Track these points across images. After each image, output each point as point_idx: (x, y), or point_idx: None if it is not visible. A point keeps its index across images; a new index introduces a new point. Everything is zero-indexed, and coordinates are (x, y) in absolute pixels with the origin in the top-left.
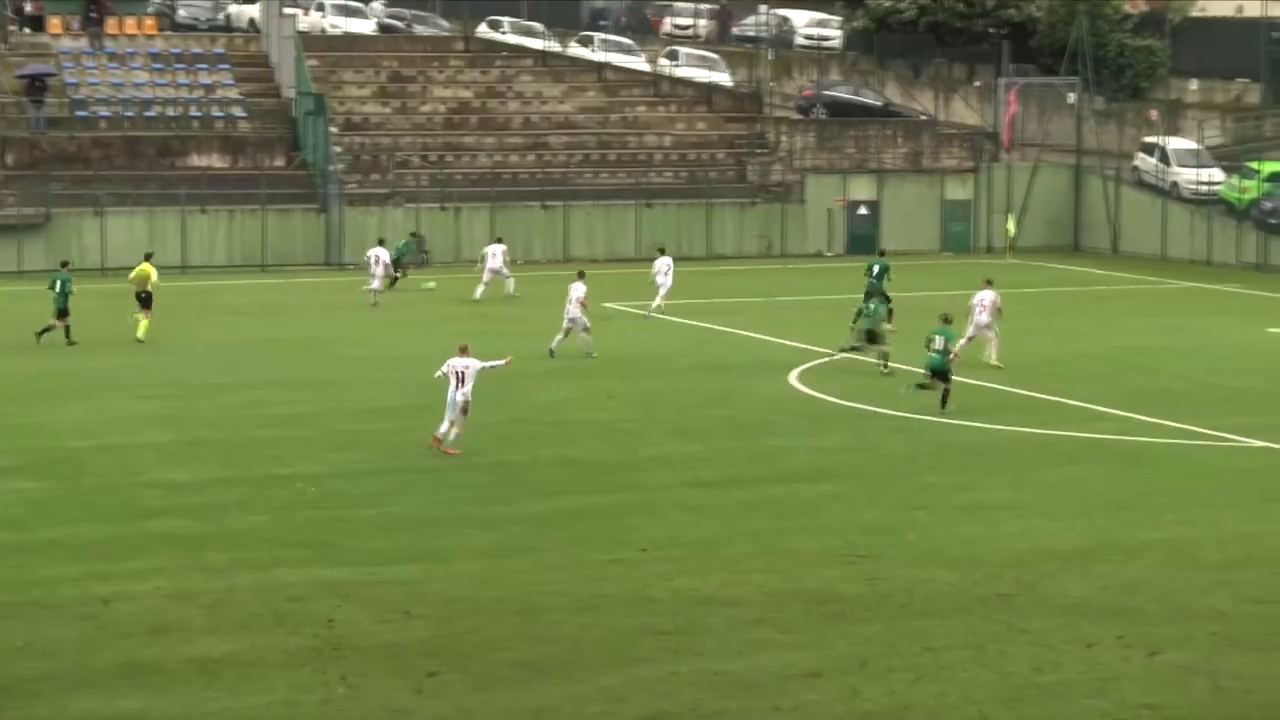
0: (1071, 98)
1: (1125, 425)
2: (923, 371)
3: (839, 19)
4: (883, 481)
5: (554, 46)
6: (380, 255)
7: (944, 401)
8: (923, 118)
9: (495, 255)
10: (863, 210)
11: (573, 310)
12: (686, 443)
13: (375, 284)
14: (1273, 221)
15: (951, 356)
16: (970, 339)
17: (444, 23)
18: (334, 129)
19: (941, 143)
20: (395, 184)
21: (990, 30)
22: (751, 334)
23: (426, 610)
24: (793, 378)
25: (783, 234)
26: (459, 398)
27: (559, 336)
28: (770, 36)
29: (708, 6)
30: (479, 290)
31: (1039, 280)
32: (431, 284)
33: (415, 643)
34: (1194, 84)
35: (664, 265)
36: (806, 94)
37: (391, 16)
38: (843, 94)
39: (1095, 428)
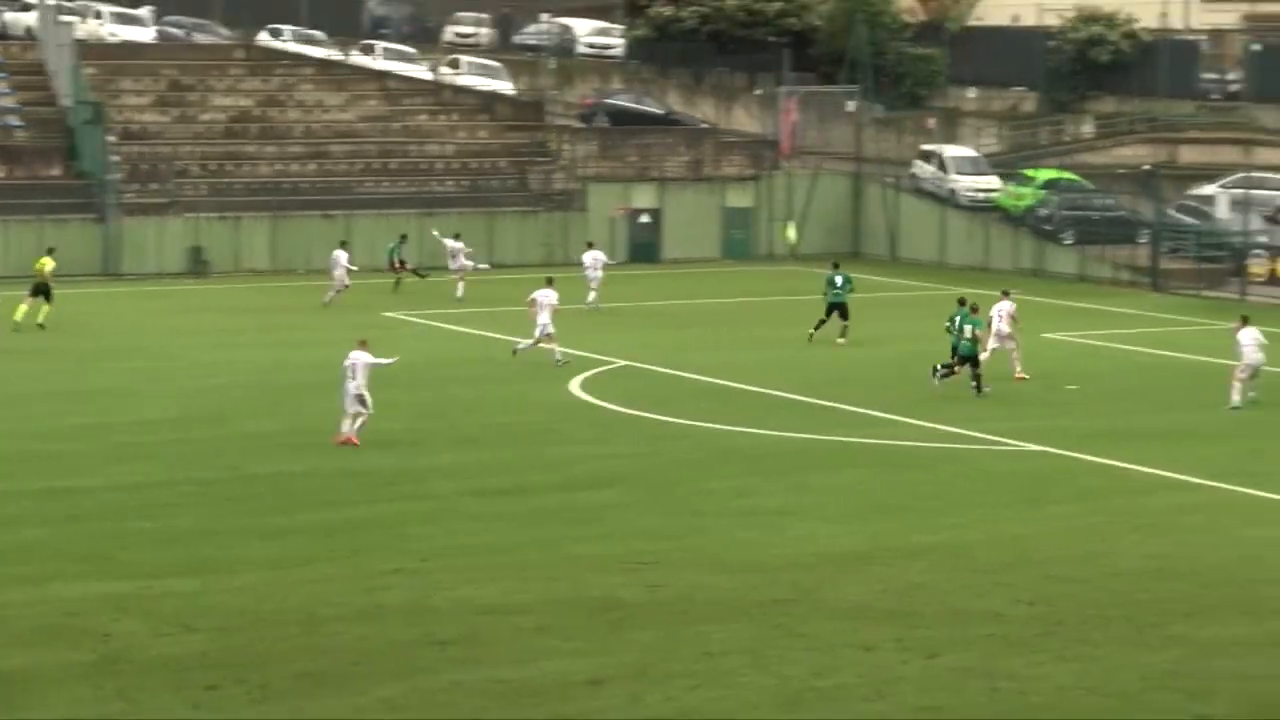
0: (851, 106)
1: (902, 430)
2: (939, 366)
3: (620, 27)
4: (664, 488)
5: (335, 55)
6: (339, 258)
7: (978, 387)
8: (704, 126)
9: (457, 255)
10: (644, 218)
11: (543, 317)
12: (468, 451)
13: (334, 291)
14: (1048, 228)
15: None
16: (993, 351)
17: (224, 31)
18: (112, 138)
19: (722, 151)
20: (174, 193)
21: (771, 39)
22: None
23: (206, 623)
24: (574, 385)
25: (565, 242)
26: (351, 389)
27: (528, 342)
28: (552, 45)
29: (489, 15)
30: (460, 289)
31: (820, 287)
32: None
33: (194, 656)
34: (972, 92)
35: (593, 259)
36: (588, 102)
37: (171, 25)
38: (624, 102)
39: (872, 432)
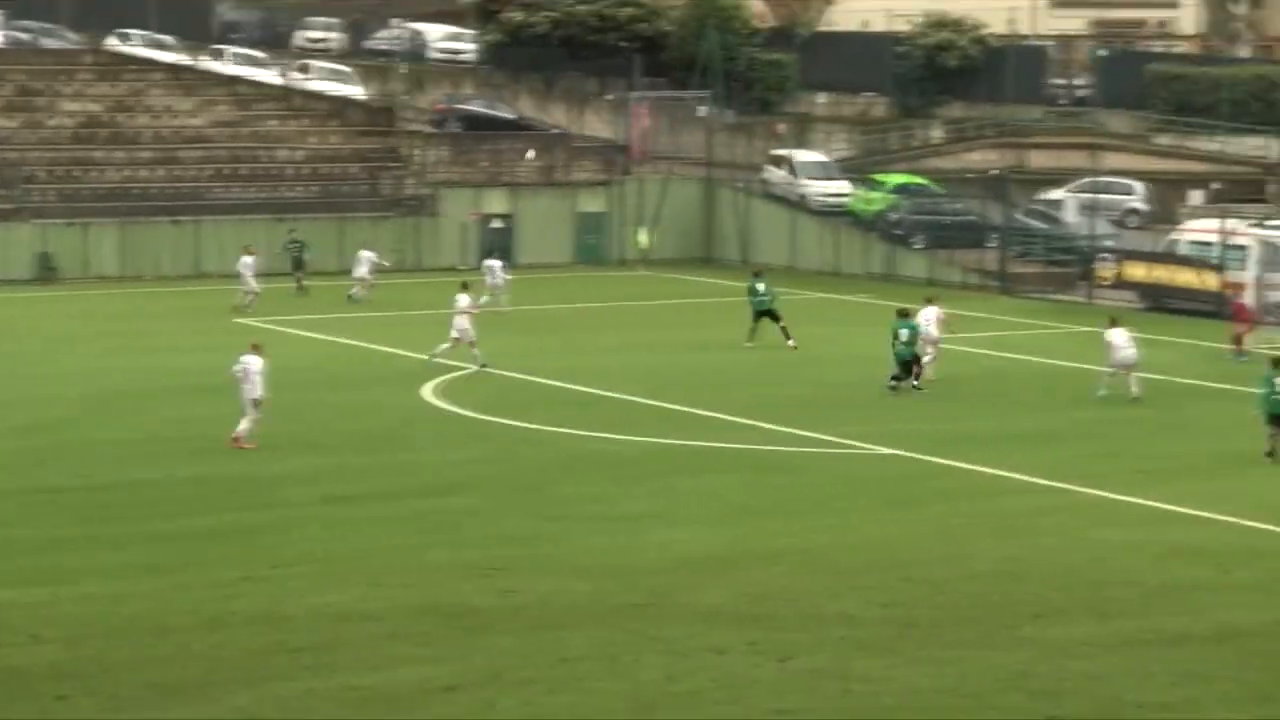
0: (702, 111)
1: (760, 434)
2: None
3: (472, 33)
4: (519, 493)
5: (185, 60)
6: (248, 263)
7: (916, 377)
8: (556, 131)
9: (364, 262)
10: (496, 224)
11: (462, 323)
12: (320, 457)
13: (249, 294)
14: (899, 232)
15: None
16: (933, 357)
17: (72, 35)
18: None
19: (575, 156)
20: (22, 199)
21: (622, 44)
22: (384, 348)
23: (55, 633)
24: (426, 391)
25: (417, 247)
26: (246, 392)
27: (444, 346)
28: (403, 50)
29: (340, 20)
30: (357, 291)
31: (672, 292)
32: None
33: (43, 666)
34: (822, 97)
35: (493, 266)
36: (440, 108)
37: (18, 29)
38: (476, 108)
39: (728, 437)
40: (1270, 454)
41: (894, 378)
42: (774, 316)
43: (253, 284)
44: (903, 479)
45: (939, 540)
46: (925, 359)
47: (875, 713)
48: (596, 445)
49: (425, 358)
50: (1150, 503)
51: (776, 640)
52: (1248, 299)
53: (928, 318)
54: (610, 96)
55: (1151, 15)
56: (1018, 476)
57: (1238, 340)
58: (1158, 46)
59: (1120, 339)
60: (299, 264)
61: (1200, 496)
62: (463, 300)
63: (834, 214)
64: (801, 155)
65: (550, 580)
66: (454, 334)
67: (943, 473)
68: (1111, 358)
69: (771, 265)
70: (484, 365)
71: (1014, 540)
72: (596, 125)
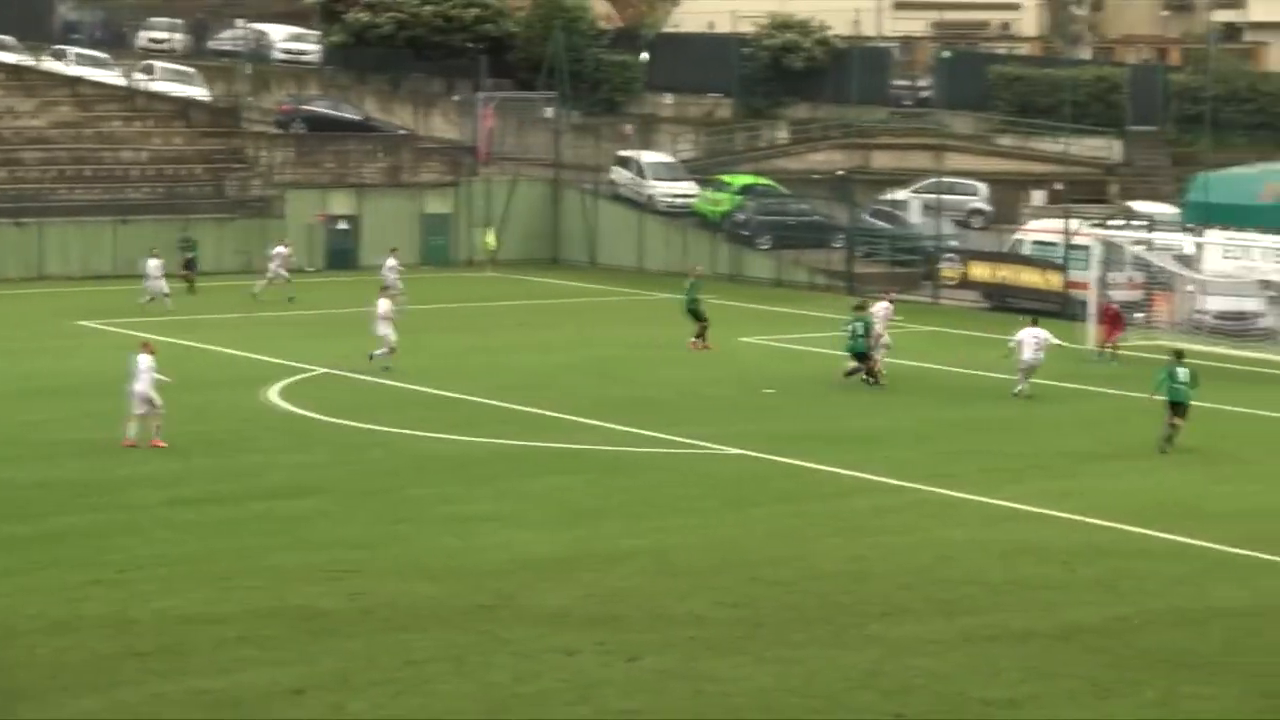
0: (549, 112)
1: (606, 435)
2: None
3: (317, 33)
4: (366, 496)
5: (25, 60)
6: (155, 265)
7: (872, 376)
8: (402, 132)
9: (279, 256)
10: (342, 225)
11: (383, 327)
12: (166, 460)
13: (158, 295)
14: (745, 233)
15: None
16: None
17: None
18: None
19: (421, 157)
20: None
21: (468, 45)
22: (229, 350)
23: None
24: (273, 393)
25: (263, 249)
26: (137, 391)
27: (383, 350)
28: (247, 51)
29: (183, 20)
30: (260, 287)
31: (519, 293)
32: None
33: None
34: (668, 98)
35: (391, 265)
36: (285, 109)
37: None
38: (321, 109)
39: (577, 438)
40: (1168, 440)
41: (852, 370)
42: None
43: (163, 285)
44: (749, 479)
45: (786, 540)
46: (876, 353)
47: (724, 713)
48: (444, 447)
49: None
50: (996, 501)
51: (624, 641)
52: (1117, 301)
53: (878, 313)
54: (456, 97)
55: (993, 17)
56: (864, 476)
57: (1102, 343)
58: (999, 48)
59: (1030, 342)
60: (190, 265)
61: (1045, 495)
62: (382, 305)
63: (680, 215)
64: (648, 156)
65: (398, 582)
66: (384, 335)
67: (790, 473)
68: (1021, 355)
69: (618, 266)
70: (372, 357)
71: (861, 539)
72: (443, 126)
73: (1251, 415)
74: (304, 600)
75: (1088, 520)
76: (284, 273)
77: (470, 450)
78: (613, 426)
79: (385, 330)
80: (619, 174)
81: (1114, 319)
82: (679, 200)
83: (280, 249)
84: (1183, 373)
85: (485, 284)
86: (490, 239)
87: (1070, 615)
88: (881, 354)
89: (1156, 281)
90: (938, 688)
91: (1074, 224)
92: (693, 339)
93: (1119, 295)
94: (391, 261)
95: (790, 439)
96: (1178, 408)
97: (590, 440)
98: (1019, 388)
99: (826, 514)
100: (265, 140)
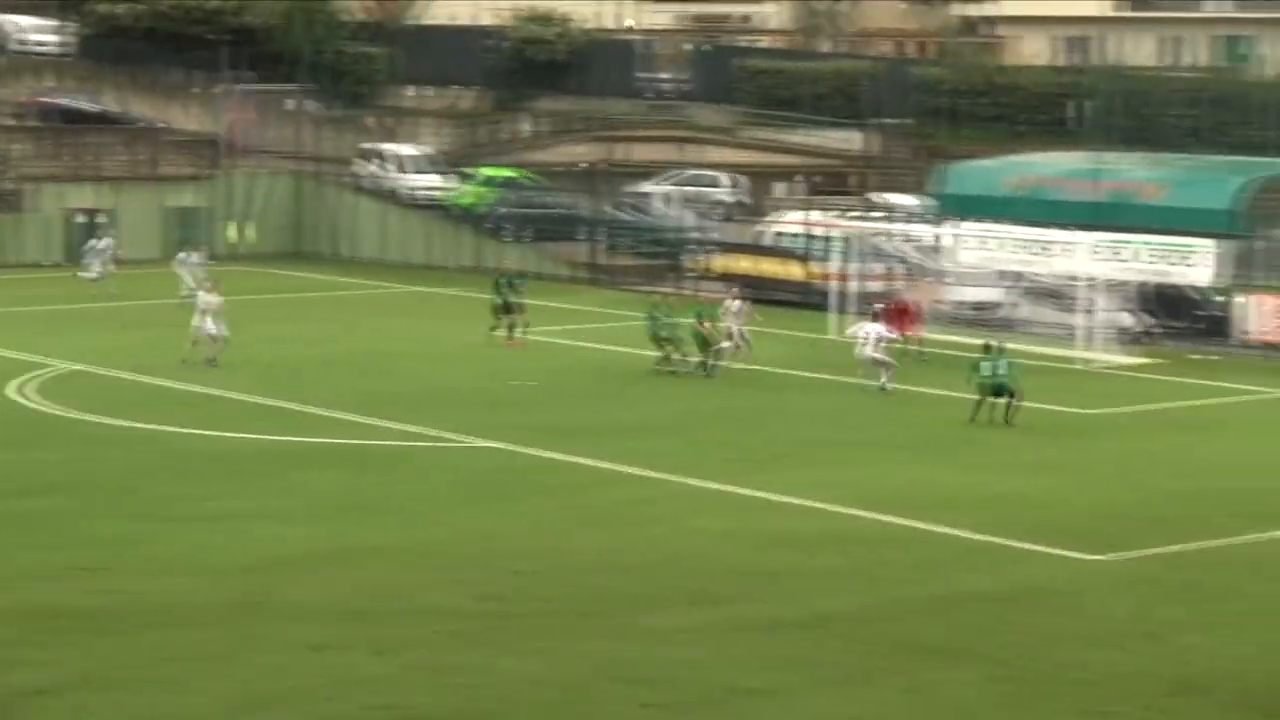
0: (296, 104)
1: (361, 429)
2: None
3: (60, 24)
4: (118, 494)
5: None
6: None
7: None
8: (152, 125)
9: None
10: (88, 218)
11: (207, 323)
12: None
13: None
14: (495, 225)
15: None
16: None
17: None
18: None
19: (168, 150)
20: None
21: (213, 37)
22: None
23: None
24: (12, 390)
25: (2, 244)
26: None
27: (212, 348)
28: None
29: None
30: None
31: (269, 286)
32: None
33: None
34: (423, 91)
35: (199, 259)
36: (27, 101)
37: None
38: (65, 101)
39: (330, 432)
40: (973, 419)
41: (699, 363)
42: (509, 311)
43: (107, 267)
44: (502, 472)
45: (539, 532)
46: (726, 345)
47: (476, 704)
48: (198, 443)
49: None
50: (746, 491)
51: (377, 635)
52: (913, 297)
53: (728, 309)
54: (203, 90)
55: (740, 10)
56: (616, 468)
57: (920, 340)
58: (746, 42)
59: (867, 335)
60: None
61: (797, 485)
62: (212, 300)
63: (429, 207)
64: (403, 149)
65: (149, 580)
66: (219, 333)
67: (542, 465)
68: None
69: (367, 259)
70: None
71: (613, 531)
72: (190, 119)
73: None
74: (51, 599)
75: (838, 509)
76: (108, 267)
77: (225, 446)
78: (367, 421)
79: (208, 325)
80: (367, 167)
81: (903, 313)
82: (428, 193)
83: (98, 242)
84: (988, 365)
85: (234, 278)
86: (233, 232)
87: (820, 603)
88: (730, 350)
89: (909, 272)
90: (690, 677)
91: (821, 215)
92: (510, 337)
93: (872, 286)
94: (196, 258)
95: (542, 431)
96: (999, 393)
97: (345, 435)
98: (883, 381)
99: (578, 506)
100: (5, 133)
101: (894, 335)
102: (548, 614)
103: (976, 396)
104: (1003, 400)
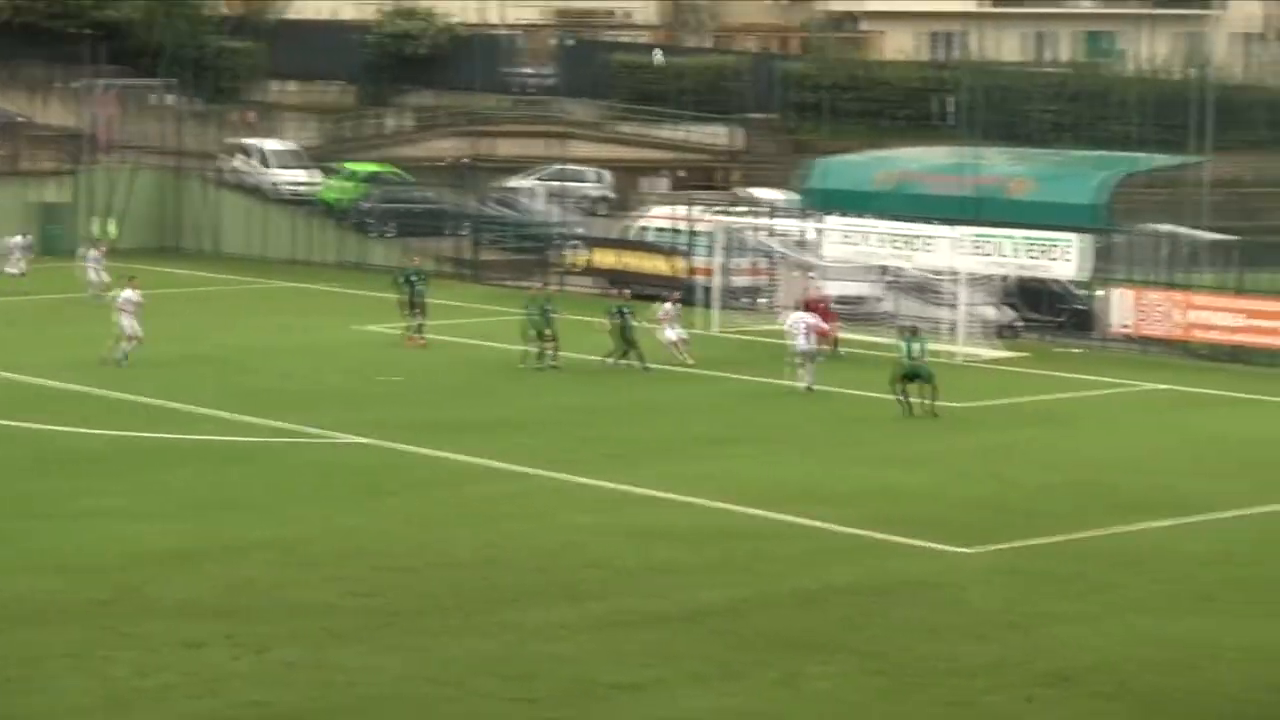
0: (169, 99)
1: (231, 426)
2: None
3: None
4: None
5: None
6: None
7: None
8: (18, 119)
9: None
10: None
11: (125, 319)
12: None
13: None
14: (369, 221)
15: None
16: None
17: None
18: None
19: (36, 145)
20: None
21: (84, 31)
22: None
23: None
24: None
25: None
26: None
27: (125, 346)
28: None
29: None
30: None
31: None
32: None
33: None
34: (290, 85)
35: (94, 257)
36: None
37: None
38: None
39: (200, 429)
40: (929, 408)
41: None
42: (420, 308)
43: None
44: (377, 468)
45: (415, 529)
46: (670, 335)
47: (353, 702)
48: (63, 441)
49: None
50: (625, 486)
51: (252, 633)
52: (821, 295)
53: (665, 313)
54: (73, 84)
55: (606, 5)
56: (493, 463)
57: (834, 340)
58: (620, 36)
59: (795, 323)
60: None
61: (673, 479)
62: (134, 297)
63: (298, 203)
64: (270, 144)
65: (14, 579)
66: (136, 331)
67: (418, 461)
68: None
69: (241, 255)
70: (121, 361)
71: (490, 527)
72: (59, 114)
73: (866, 398)
74: None
75: (714, 504)
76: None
77: (92, 444)
78: (238, 417)
79: (127, 322)
80: (240, 162)
81: (823, 313)
82: (301, 189)
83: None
84: (905, 348)
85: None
86: (97, 228)
87: (697, 598)
88: (677, 350)
89: (777, 266)
90: (565, 672)
91: (693, 210)
92: (414, 334)
93: (740, 281)
94: (94, 255)
95: (417, 427)
96: (914, 377)
97: (216, 431)
98: (804, 383)
99: (456, 502)
100: None
101: (825, 325)
102: (422, 610)
103: (893, 389)
104: (915, 385)
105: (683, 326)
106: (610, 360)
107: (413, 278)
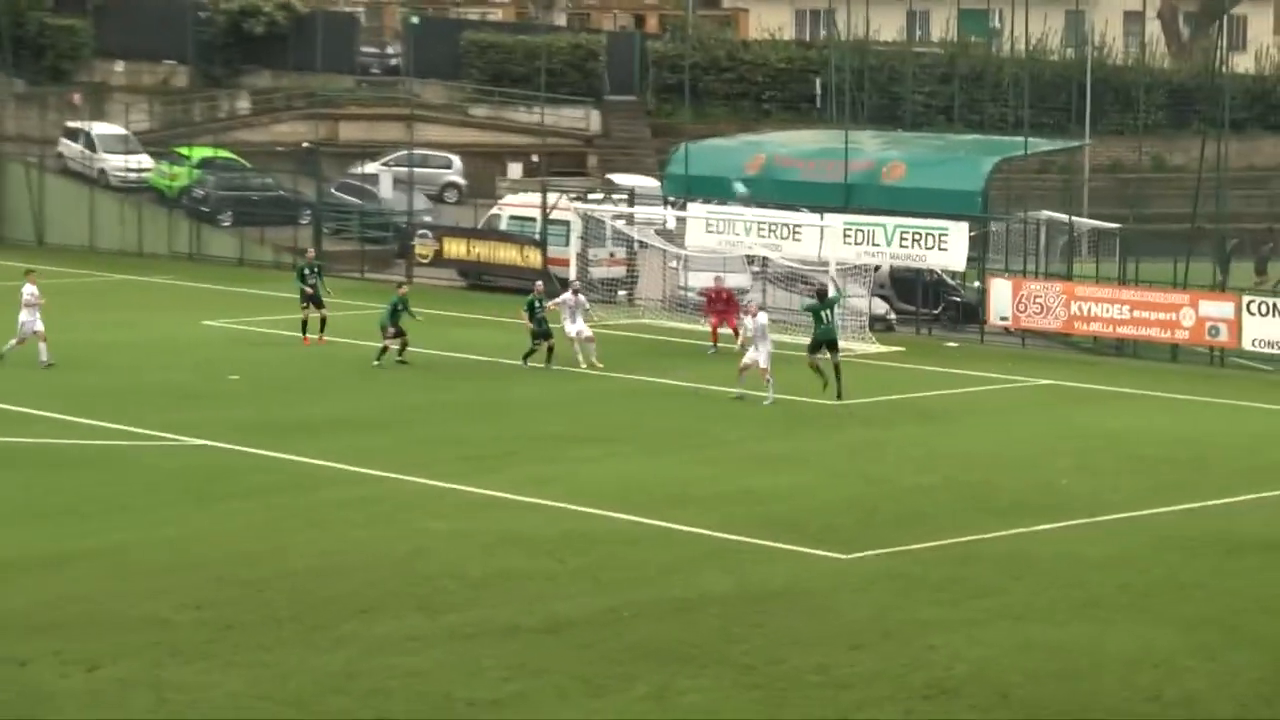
0: None
1: (58, 428)
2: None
3: None
4: None
5: None
6: None
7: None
8: None
9: None
10: None
11: (25, 316)
12: None
13: None
14: (205, 209)
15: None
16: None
17: None
18: None
19: None
20: None
21: None
22: None
23: None
24: None
25: None
26: None
27: (13, 342)
28: None
29: None
30: None
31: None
32: None
33: None
34: (120, 66)
35: None
36: None
37: None
38: None
39: (29, 431)
40: (818, 371)
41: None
42: (317, 304)
43: None
44: (213, 472)
45: (254, 536)
46: (581, 329)
47: None
48: None
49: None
50: (476, 490)
51: (82, 649)
52: (721, 288)
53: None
54: None
55: None
56: (337, 466)
57: (715, 333)
58: (473, 14)
59: (756, 325)
60: None
61: (528, 482)
62: (34, 291)
63: (135, 190)
64: (99, 128)
65: None
66: (26, 328)
67: (257, 464)
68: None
69: (69, 245)
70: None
71: (333, 534)
72: None
73: (730, 395)
74: None
75: (573, 507)
76: None
77: None
78: (69, 419)
79: (25, 316)
80: (68, 147)
81: (727, 301)
82: (133, 175)
83: None
84: (825, 313)
85: None
86: None
87: (558, 608)
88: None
89: (629, 256)
90: (419, 688)
91: (552, 198)
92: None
93: (599, 272)
94: None
95: (257, 428)
96: (830, 346)
97: (45, 434)
98: (739, 391)
99: (297, 507)
100: None
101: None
102: (267, 623)
103: (812, 363)
104: (826, 356)
105: (586, 321)
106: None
107: (305, 272)
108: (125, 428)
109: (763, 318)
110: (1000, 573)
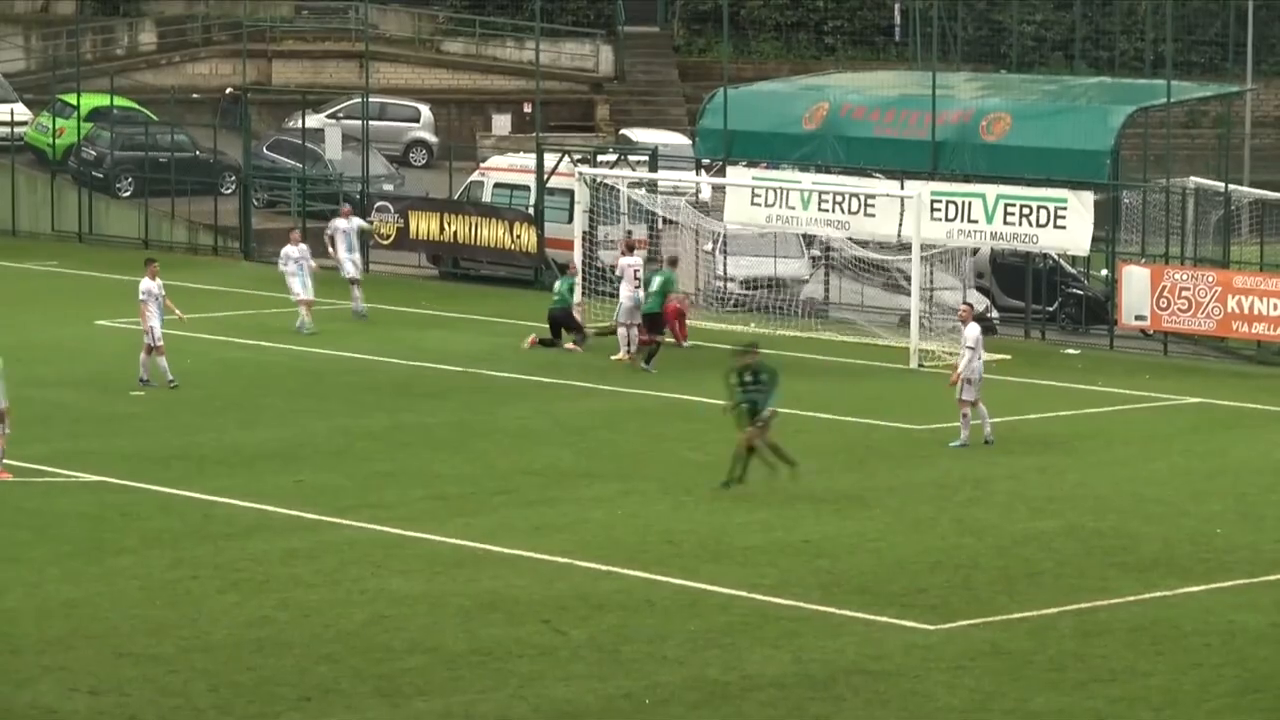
0: None
1: None
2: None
3: None
4: None
5: None
6: None
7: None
8: None
9: None
10: None
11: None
12: None
13: None
14: (98, 174)
15: None
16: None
17: None
18: None
19: None
20: None
21: None
22: None
23: None
24: None
25: None
26: None
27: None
28: None
29: None
30: None
31: None
32: None
33: None
34: None
35: None
36: None
37: None
38: None
39: None
40: (738, 474)
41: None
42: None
43: None
44: (112, 516)
45: (163, 600)
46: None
47: None
48: None
49: None
50: (449, 539)
51: None
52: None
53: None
54: None
55: None
56: (268, 508)
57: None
58: None
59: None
60: None
61: (515, 529)
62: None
63: (6, 149)
64: None
65: None
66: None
67: (166, 505)
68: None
69: None
70: None
71: (266, 596)
72: None
73: (792, 416)
74: None
75: (573, 562)
76: None
77: None
78: None
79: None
80: None
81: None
82: (3, 129)
83: None
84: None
85: None
86: None
87: (557, 694)
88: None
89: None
90: None
91: (550, 160)
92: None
93: (607, 256)
94: None
95: (170, 459)
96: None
97: None
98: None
99: (218, 562)
100: None
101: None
102: (181, 713)
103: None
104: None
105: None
106: None
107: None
108: (6, 461)
109: (975, 328)
110: (1136, 648)
